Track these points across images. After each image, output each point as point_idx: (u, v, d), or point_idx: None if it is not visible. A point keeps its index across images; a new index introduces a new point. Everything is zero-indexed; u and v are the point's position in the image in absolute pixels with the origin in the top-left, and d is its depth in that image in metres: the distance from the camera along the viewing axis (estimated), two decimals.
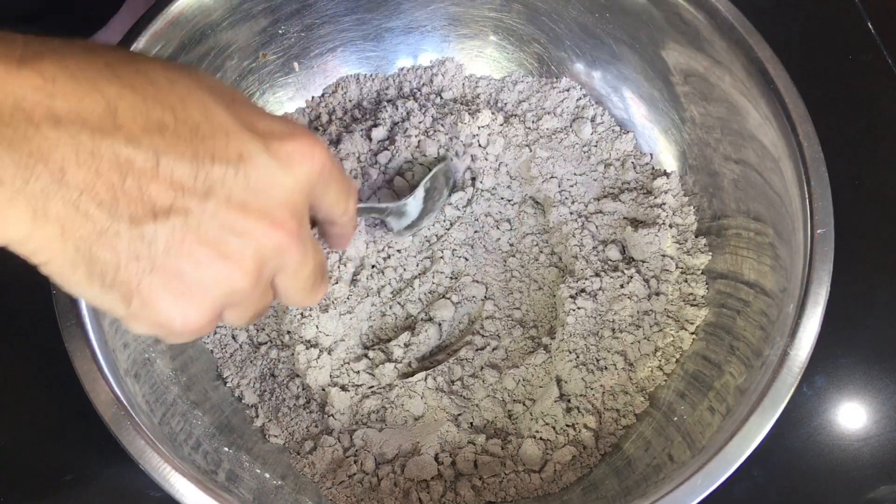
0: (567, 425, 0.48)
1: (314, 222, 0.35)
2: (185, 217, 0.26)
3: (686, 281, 0.51)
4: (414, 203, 0.52)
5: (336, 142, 0.55)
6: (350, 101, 0.59)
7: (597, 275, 0.51)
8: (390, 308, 0.53)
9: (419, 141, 0.54)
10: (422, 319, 0.52)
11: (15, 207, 0.24)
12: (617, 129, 0.57)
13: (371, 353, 0.51)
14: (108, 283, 0.26)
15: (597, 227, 0.53)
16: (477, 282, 0.54)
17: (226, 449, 0.45)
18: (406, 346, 0.51)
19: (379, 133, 0.54)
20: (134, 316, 0.28)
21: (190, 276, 0.27)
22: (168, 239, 0.26)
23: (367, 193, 0.54)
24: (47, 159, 0.24)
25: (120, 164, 0.25)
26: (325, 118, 0.58)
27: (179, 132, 0.26)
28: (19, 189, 0.24)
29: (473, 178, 0.55)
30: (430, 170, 0.53)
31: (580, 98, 0.58)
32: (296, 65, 0.58)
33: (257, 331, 0.52)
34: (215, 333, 0.51)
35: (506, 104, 0.59)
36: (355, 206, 0.35)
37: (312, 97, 0.59)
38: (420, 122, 0.55)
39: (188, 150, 0.26)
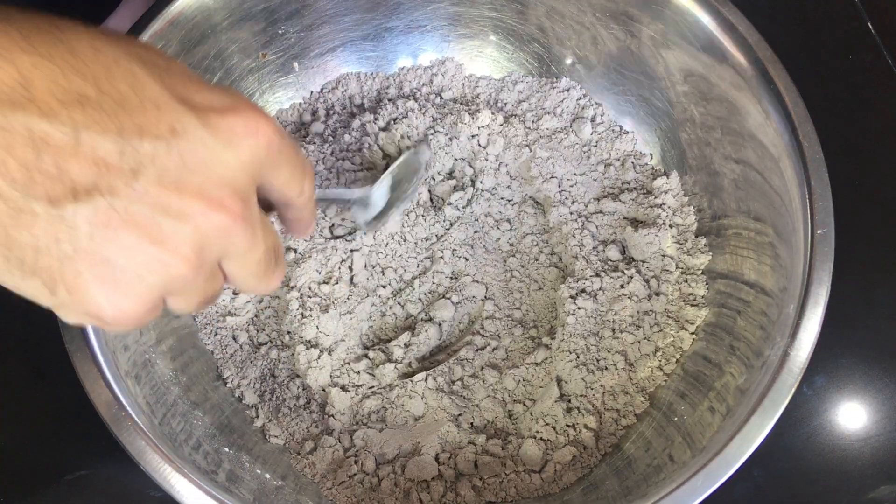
0: (567, 425, 0.48)
1: (269, 206, 0.33)
2: (109, 197, 0.24)
3: (686, 281, 0.51)
4: (379, 192, 0.48)
5: (333, 135, 0.55)
6: (350, 97, 0.59)
7: (597, 275, 0.51)
8: (390, 308, 0.53)
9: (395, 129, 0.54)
10: (422, 319, 0.52)
11: None
12: (617, 128, 0.57)
13: (371, 354, 0.51)
14: (28, 268, 0.24)
15: (597, 227, 0.53)
16: (477, 282, 0.54)
17: (226, 449, 0.45)
18: (406, 346, 0.51)
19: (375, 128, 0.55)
20: (61, 305, 0.26)
21: (119, 263, 0.25)
22: (91, 221, 0.24)
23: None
24: None
25: (34, 140, 0.23)
26: (322, 113, 0.58)
27: (103, 105, 0.24)
28: None
29: (473, 179, 0.55)
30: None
31: (580, 98, 0.58)
32: (296, 65, 0.58)
33: (257, 331, 0.52)
34: (216, 335, 0.51)
35: (506, 104, 0.59)
36: (311, 188, 0.32)
37: (311, 92, 0.59)
38: (419, 122, 0.55)
39: (112, 124, 0.24)
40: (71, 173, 0.23)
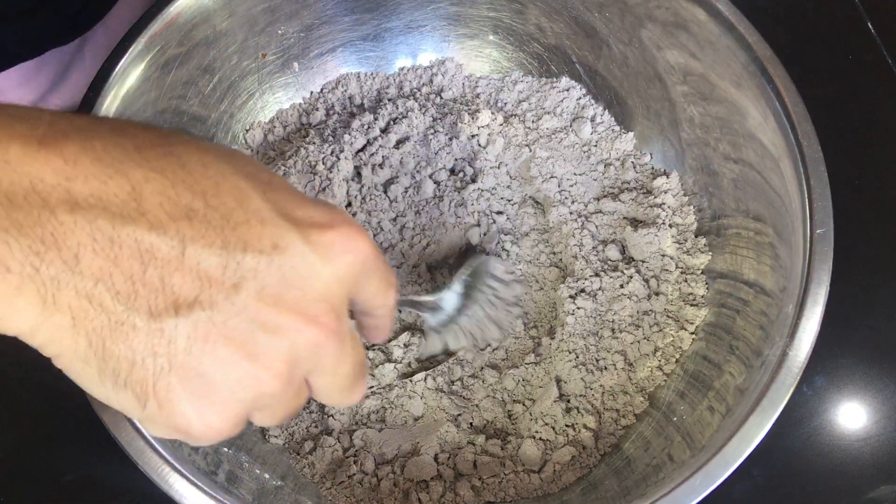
0: (566, 425, 0.48)
1: (350, 314, 0.33)
2: (210, 311, 0.24)
3: (686, 281, 0.51)
4: (450, 297, 0.47)
5: (333, 135, 0.55)
6: (350, 97, 0.59)
7: (596, 275, 0.51)
8: None
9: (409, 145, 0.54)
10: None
11: (23, 296, 0.23)
12: (617, 128, 0.57)
13: (371, 354, 0.51)
14: (121, 381, 0.24)
15: (596, 226, 0.53)
16: None
17: (225, 449, 0.45)
18: (406, 346, 0.51)
19: (375, 131, 0.54)
20: (150, 418, 0.26)
21: (213, 377, 0.25)
22: (190, 335, 0.24)
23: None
24: (60, 245, 0.22)
25: (141, 253, 0.23)
26: (322, 113, 0.58)
27: (209, 219, 0.24)
28: (29, 276, 0.22)
29: (474, 178, 0.55)
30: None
31: (580, 98, 0.58)
32: (295, 65, 0.58)
33: None
34: None
35: (506, 104, 0.59)
36: (395, 299, 0.32)
37: (311, 92, 0.59)
38: (419, 122, 0.55)
39: (218, 238, 0.24)
40: (174, 286, 0.24)
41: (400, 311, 0.50)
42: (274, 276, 0.25)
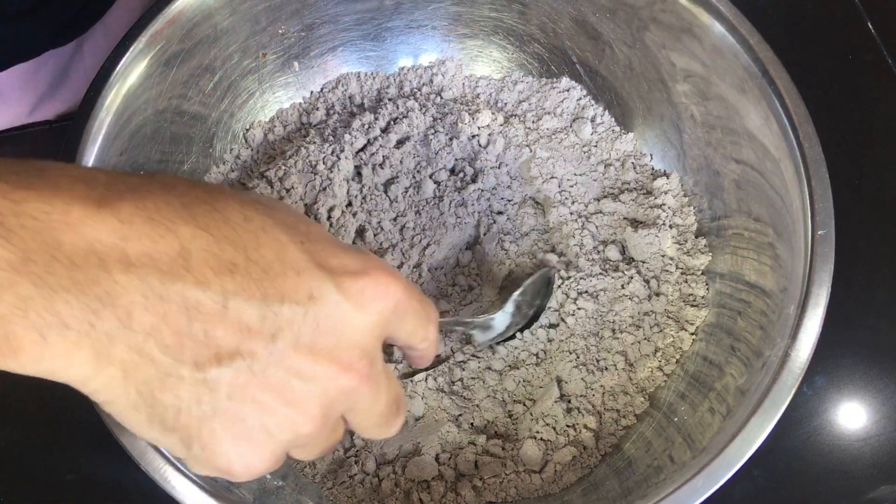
0: (567, 426, 0.48)
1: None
2: (250, 361, 0.26)
3: (686, 281, 0.51)
4: (502, 317, 0.49)
5: (333, 135, 0.55)
6: (350, 97, 0.59)
7: (597, 275, 0.51)
8: None
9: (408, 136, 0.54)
10: None
11: (80, 351, 0.24)
12: (617, 129, 0.57)
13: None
14: (169, 426, 0.26)
15: (597, 227, 0.53)
16: None
17: None
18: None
19: (375, 131, 0.54)
20: (195, 459, 0.27)
21: (252, 422, 0.26)
22: (231, 383, 0.26)
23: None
24: (115, 303, 0.24)
25: (188, 308, 0.25)
26: (322, 113, 0.58)
27: (250, 272, 0.26)
28: (85, 332, 0.24)
29: (474, 178, 0.55)
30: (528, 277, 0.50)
31: (580, 98, 0.58)
32: (296, 64, 0.58)
33: None
34: None
35: (506, 104, 0.59)
36: (435, 333, 0.33)
37: (311, 92, 0.59)
38: (419, 122, 0.55)
39: (258, 291, 0.26)
40: (217, 338, 0.25)
41: (445, 333, 0.51)
42: (309, 325, 0.26)
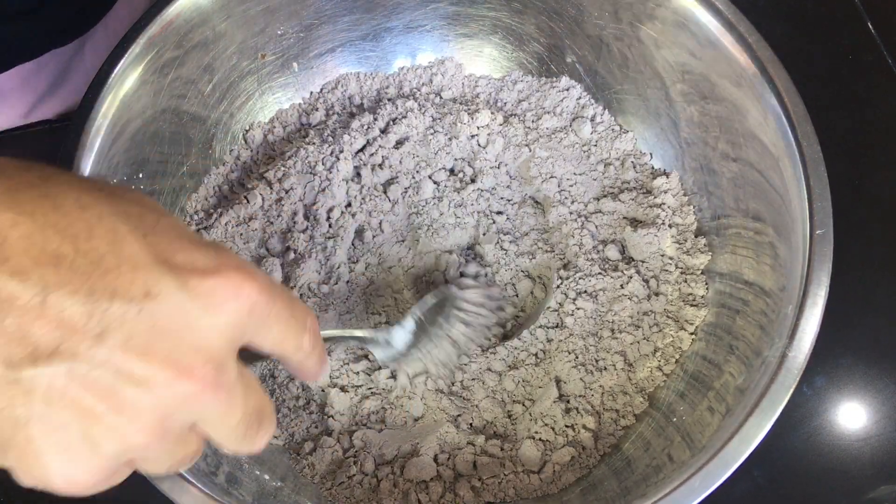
0: (566, 426, 0.48)
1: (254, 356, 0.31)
2: (70, 362, 0.23)
3: (686, 281, 0.51)
4: (399, 334, 0.45)
5: (333, 135, 0.55)
6: (349, 97, 0.59)
7: (596, 275, 0.51)
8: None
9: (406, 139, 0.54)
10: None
11: None
12: (616, 128, 0.57)
13: (371, 355, 0.51)
14: None
15: (596, 226, 0.53)
16: None
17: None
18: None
19: (374, 131, 0.54)
20: (13, 469, 0.24)
21: (73, 431, 0.24)
22: (49, 386, 0.23)
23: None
24: None
25: (1, 301, 0.22)
26: (321, 114, 0.58)
27: (77, 265, 0.23)
28: None
29: (473, 178, 0.55)
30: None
31: (580, 97, 0.58)
32: (295, 65, 0.58)
33: None
34: None
35: (505, 104, 0.59)
36: (312, 341, 0.30)
37: (311, 93, 0.59)
38: (419, 122, 0.55)
39: (84, 285, 0.23)
40: (33, 336, 0.22)
41: (329, 348, 0.46)
42: (144, 325, 0.24)
